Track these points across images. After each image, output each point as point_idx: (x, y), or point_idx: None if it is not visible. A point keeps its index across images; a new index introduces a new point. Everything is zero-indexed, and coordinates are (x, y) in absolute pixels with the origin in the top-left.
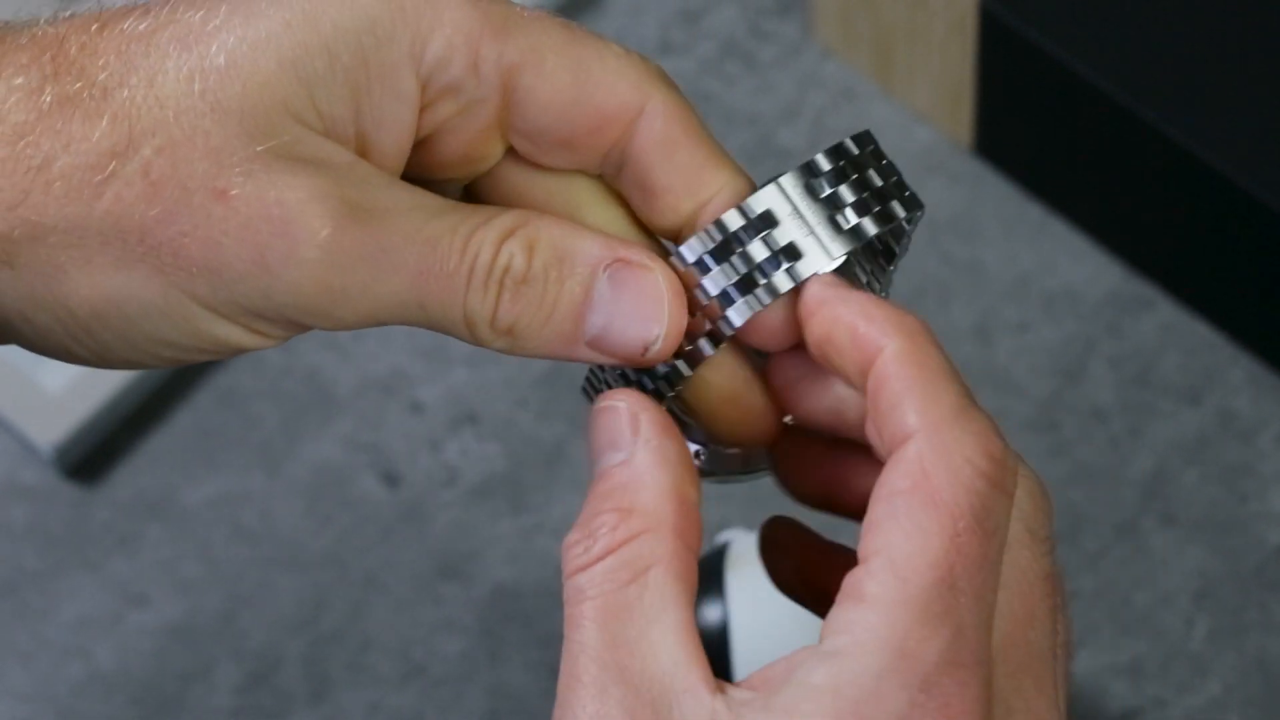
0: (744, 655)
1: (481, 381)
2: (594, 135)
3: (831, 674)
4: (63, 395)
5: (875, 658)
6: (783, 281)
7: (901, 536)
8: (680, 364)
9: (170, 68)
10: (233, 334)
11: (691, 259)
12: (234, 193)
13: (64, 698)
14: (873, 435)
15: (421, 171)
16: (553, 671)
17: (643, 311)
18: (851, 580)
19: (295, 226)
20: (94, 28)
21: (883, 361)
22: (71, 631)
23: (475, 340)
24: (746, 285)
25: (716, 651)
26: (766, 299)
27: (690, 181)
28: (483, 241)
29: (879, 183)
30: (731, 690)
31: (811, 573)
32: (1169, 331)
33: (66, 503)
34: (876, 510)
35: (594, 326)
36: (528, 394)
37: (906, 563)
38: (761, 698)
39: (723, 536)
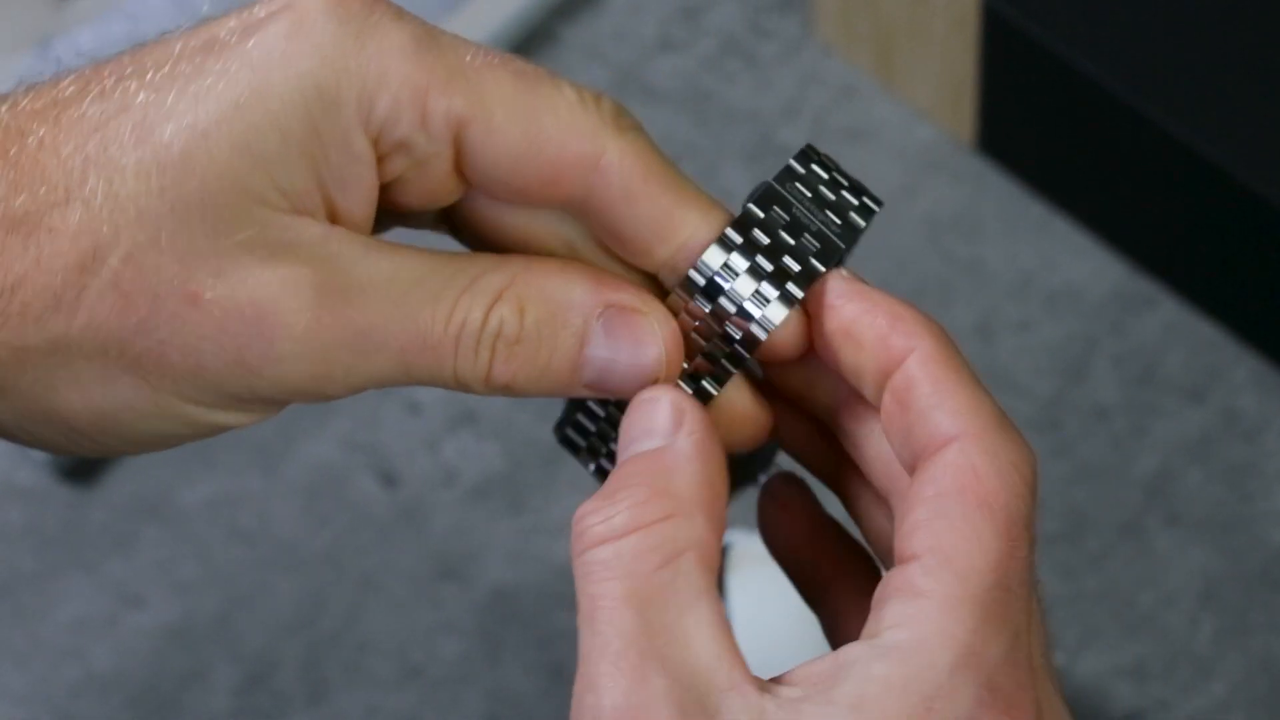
0: (745, 656)
1: None
2: (549, 187)
3: (898, 668)
4: None
5: (945, 654)
6: (776, 311)
7: (957, 536)
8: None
9: (129, 164)
10: (228, 419)
11: (692, 294)
12: (207, 295)
13: (60, 699)
14: (894, 435)
15: (390, 208)
16: (552, 672)
17: (639, 356)
18: (901, 577)
19: (271, 323)
20: (54, 116)
21: (915, 362)
22: (68, 633)
23: (468, 392)
24: (758, 302)
25: None
26: (782, 310)
27: (657, 230)
28: (469, 308)
29: (831, 198)
30: (777, 688)
31: (801, 540)
32: (1172, 330)
33: (62, 504)
34: (921, 511)
35: (591, 371)
36: None
37: (966, 562)
38: (819, 692)
39: (723, 537)
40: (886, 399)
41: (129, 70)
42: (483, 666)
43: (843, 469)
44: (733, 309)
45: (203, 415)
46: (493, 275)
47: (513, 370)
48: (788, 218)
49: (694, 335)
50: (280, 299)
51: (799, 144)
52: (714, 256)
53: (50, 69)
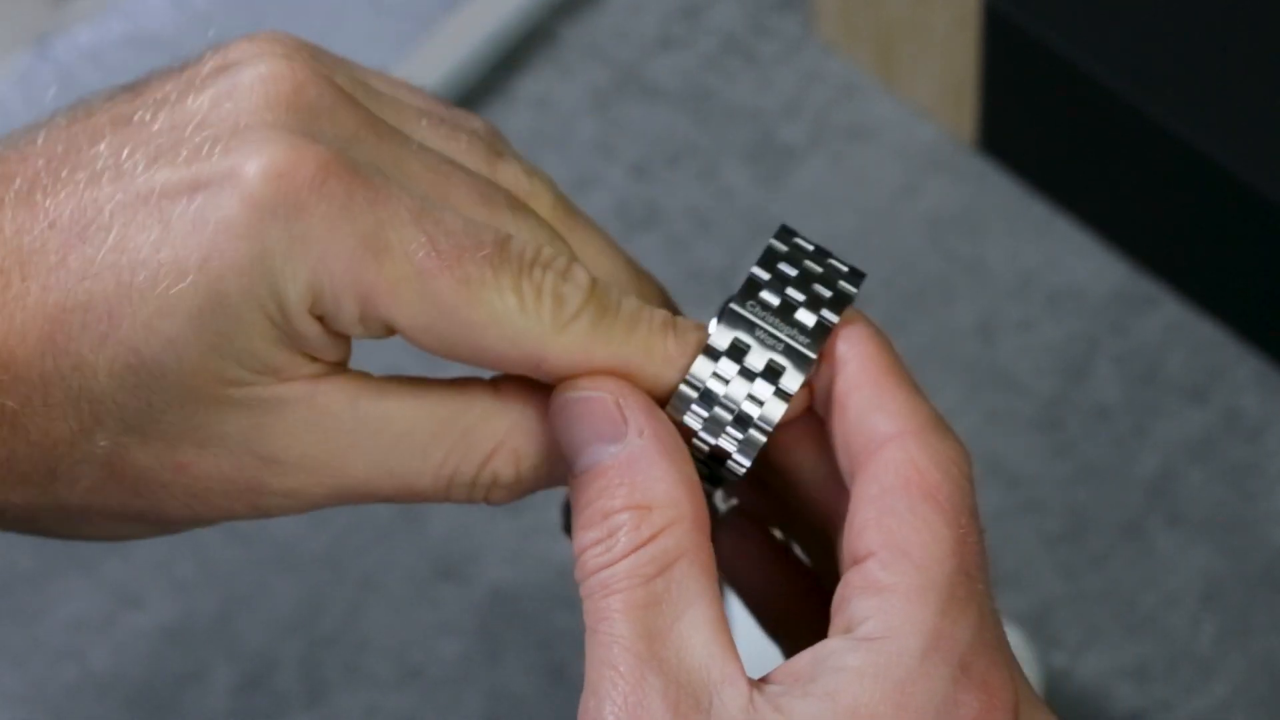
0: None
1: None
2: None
3: (870, 657)
4: None
5: (914, 639)
6: (774, 409)
7: (909, 529)
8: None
9: (100, 364)
10: (229, 520)
11: (681, 415)
12: (194, 466)
13: (58, 700)
14: (837, 443)
15: None
16: (552, 673)
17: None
18: (861, 575)
19: (256, 486)
20: (19, 307)
21: (854, 368)
22: (65, 633)
23: None
24: (741, 424)
25: None
26: (762, 438)
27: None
28: (459, 464)
29: (819, 270)
30: (764, 685)
31: (756, 569)
32: (1174, 330)
33: None
34: (868, 509)
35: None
36: None
37: (922, 552)
38: (799, 685)
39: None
40: (831, 406)
41: (80, 187)
42: (482, 667)
43: (782, 503)
44: (748, 387)
45: (206, 525)
46: (484, 430)
47: (503, 499)
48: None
49: (696, 443)
50: (263, 467)
51: (800, 142)
52: (727, 333)
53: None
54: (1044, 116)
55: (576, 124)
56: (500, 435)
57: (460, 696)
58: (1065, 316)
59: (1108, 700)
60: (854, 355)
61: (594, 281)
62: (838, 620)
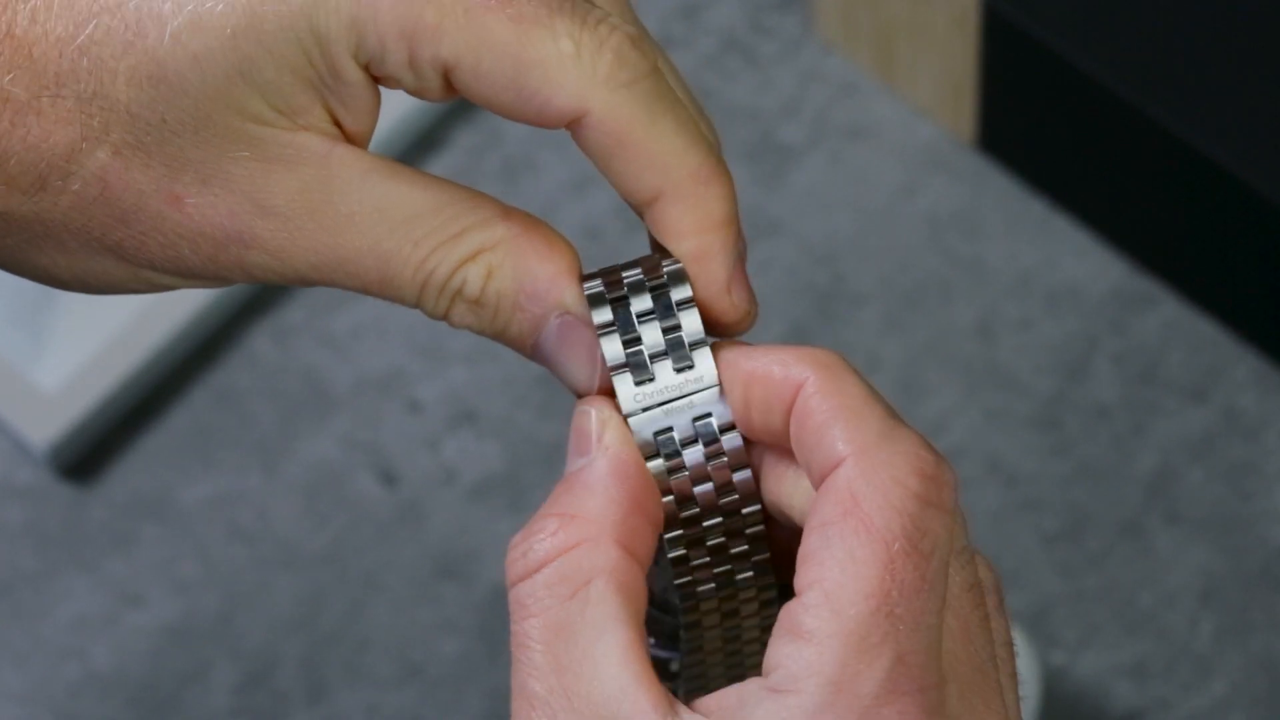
0: None
1: (480, 380)
2: (542, 124)
3: (774, 710)
4: (58, 394)
5: (813, 695)
6: (691, 320)
7: (835, 567)
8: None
9: (120, 70)
10: (200, 284)
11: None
12: (189, 200)
13: (60, 699)
14: (807, 474)
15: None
16: None
17: (575, 374)
18: (788, 614)
19: (246, 237)
20: (54, 6)
21: (802, 398)
22: (67, 632)
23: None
24: (675, 347)
25: None
26: (704, 345)
27: (638, 183)
28: (440, 261)
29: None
30: (685, 713)
31: None
32: (1173, 328)
33: (62, 502)
34: (810, 541)
35: (542, 354)
36: (527, 393)
37: (841, 594)
38: None
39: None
40: (793, 440)
41: None
42: (483, 666)
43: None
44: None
45: (176, 283)
46: (479, 233)
47: (468, 322)
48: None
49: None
50: (259, 216)
51: (799, 142)
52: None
53: None
54: (1043, 116)
55: None
56: (487, 242)
57: (461, 695)
58: (1064, 315)
59: (1106, 698)
60: (805, 379)
61: (660, 68)
62: (768, 652)
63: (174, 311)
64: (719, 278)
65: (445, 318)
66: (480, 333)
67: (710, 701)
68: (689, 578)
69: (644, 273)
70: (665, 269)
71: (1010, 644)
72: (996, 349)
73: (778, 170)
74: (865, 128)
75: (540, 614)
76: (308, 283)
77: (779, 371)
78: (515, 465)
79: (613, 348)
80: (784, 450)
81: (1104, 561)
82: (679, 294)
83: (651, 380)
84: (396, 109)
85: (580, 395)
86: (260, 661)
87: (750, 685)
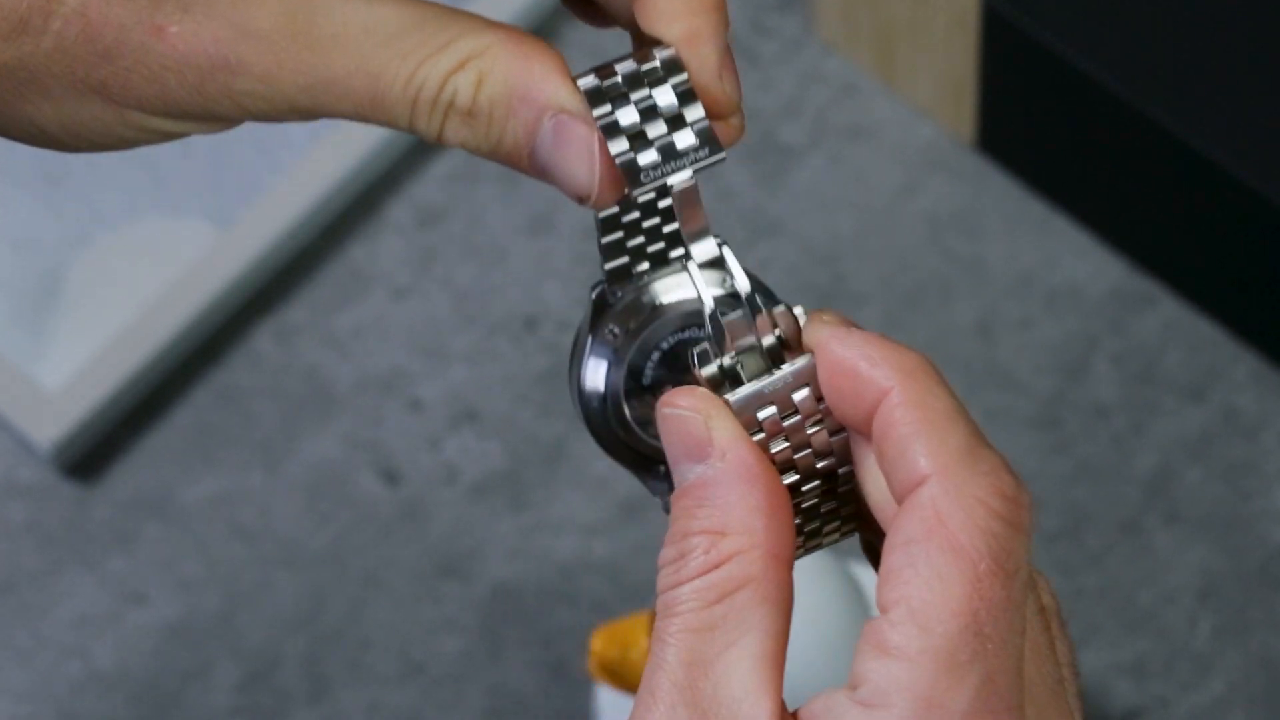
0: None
1: (481, 379)
2: None
3: None
4: (61, 393)
5: (904, 711)
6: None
7: (922, 585)
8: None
9: None
10: (189, 128)
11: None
12: (172, 29)
13: (62, 697)
14: (887, 482)
15: None
16: (553, 669)
17: (574, 174)
18: (874, 630)
19: (232, 62)
20: None
21: (886, 407)
22: (70, 630)
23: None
24: (674, 121)
25: None
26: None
27: (657, 26)
28: (429, 74)
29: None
30: None
31: None
32: (1172, 328)
33: (64, 501)
34: (893, 559)
35: (538, 161)
36: (528, 391)
37: (929, 611)
38: None
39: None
40: (875, 445)
41: None
42: (484, 664)
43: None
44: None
45: (166, 126)
46: (466, 40)
47: (463, 138)
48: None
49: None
50: (242, 41)
51: (800, 142)
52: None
53: None
54: (1043, 116)
55: None
56: (475, 49)
57: (462, 693)
58: (1064, 315)
59: (1106, 697)
60: (890, 389)
61: None
62: (854, 666)
63: (176, 310)
64: (711, 62)
65: (439, 137)
66: (476, 150)
67: (803, 713)
68: None
69: (637, 62)
70: (658, 56)
71: (1074, 665)
72: (996, 349)
73: (778, 170)
74: (865, 128)
75: (683, 614)
76: (300, 112)
77: (865, 370)
78: (516, 464)
79: (616, 141)
80: (863, 434)
81: (1103, 560)
82: (676, 79)
83: (658, 167)
84: None
85: (581, 199)
86: (262, 660)
87: (837, 696)
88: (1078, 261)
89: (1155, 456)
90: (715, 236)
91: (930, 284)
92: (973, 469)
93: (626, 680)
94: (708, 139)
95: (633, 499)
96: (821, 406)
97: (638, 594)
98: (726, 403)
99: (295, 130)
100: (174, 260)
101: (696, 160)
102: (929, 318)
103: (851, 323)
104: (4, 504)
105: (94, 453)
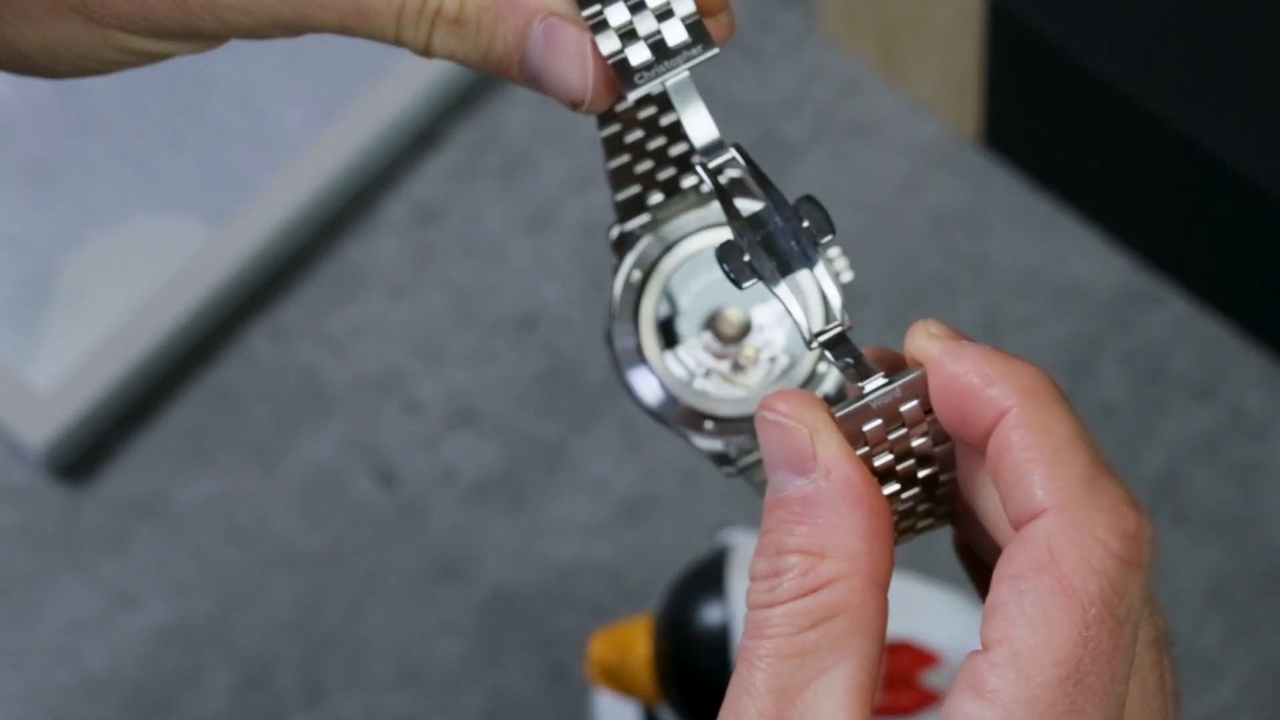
0: None
1: (479, 380)
2: None
3: None
4: (52, 393)
5: None
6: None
7: (1027, 626)
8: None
9: None
10: (172, 48)
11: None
12: None
13: (54, 701)
14: (1002, 506)
15: None
16: (551, 673)
17: (566, 76)
18: (972, 668)
19: None
20: None
21: (1004, 428)
22: (62, 634)
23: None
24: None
25: (717, 653)
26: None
27: None
28: None
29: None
30: None
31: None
32: (1179, 327)
33: (56, 504)
34: (1000, 592)
35: (529, 68)
36: (526, 392)
37: (1031, 656)
38: None
39: (724, 537)
40: (989, 464)
41: None
42: (482, 667)
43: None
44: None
45: (148, 46)
46: None
47: (451, 48)
48: None
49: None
50: None
51: (802, 138)
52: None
53: None
54: (1047, 112)
55: (577, 121)
56: None
57: (460, 697)
58: (1069, 314)
59: None
60: (1007, 410)
61: None
62: (949, 703)
63: (170, 309)
64: None
65: (427, 48)
66: (464, 61)
67: None
68: None
69: None
70: None
71: (1179, 695)
72: (1001, 347)
73: (781, 167)
74: (868, 124)
75: (774, 637)
76: (284, 27)
77: (981, 387)
78: (514, 465)
79: (606, 38)
80: (977, 449)
81: None
82: None
83: (651, 66)
84: (396, 105)
85: (574, 105)
86: (257, 663)
87: None
88: (1084, 260)
89: (1162, 457)
90: (729, 146)
91: (934, 282)
92: (1092, 503)
93: (625, 684)
94: (700, 34)
95: (633, 501)
96: (929, 417)
97: (637, 597)
98: (832, 414)
99: (290, 127)
100: (167, 259)
101: (690, 57)
102: (933, 316)
103: (961, 333)
104: None
105: (86, 454)
